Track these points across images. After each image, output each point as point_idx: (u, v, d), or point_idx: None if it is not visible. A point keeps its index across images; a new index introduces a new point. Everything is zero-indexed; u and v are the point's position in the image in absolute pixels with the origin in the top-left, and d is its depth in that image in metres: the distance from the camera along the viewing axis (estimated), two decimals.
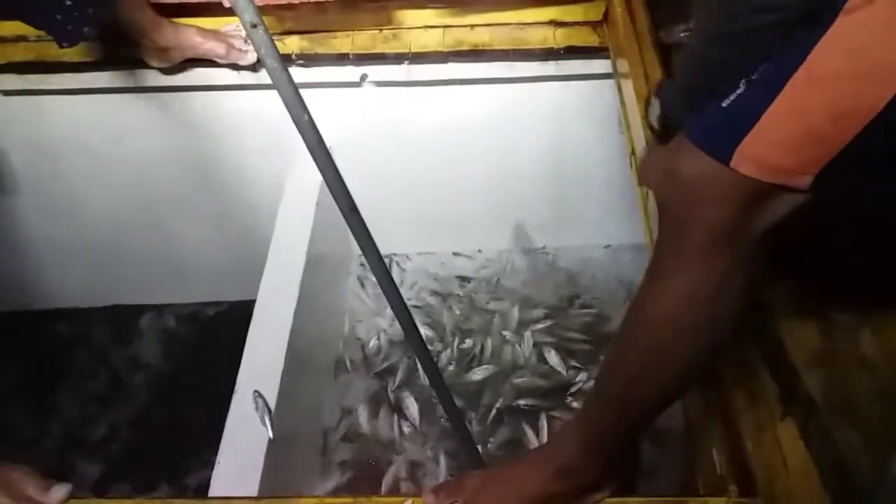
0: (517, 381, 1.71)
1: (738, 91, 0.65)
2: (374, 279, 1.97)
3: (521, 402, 1.67)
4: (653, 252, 0.78)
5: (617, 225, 1.92)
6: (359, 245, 0.85)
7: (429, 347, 1.79)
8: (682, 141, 0.70)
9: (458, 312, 1.88)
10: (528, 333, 1.80)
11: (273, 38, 1.52)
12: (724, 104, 0.66)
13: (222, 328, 2.09)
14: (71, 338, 2.09)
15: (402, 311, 0.88)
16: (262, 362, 1.35)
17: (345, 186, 0.80)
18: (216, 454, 1.22)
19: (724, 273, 0.71)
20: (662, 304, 0.75)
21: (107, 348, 2.07)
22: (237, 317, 1.98)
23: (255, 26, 0.74)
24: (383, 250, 2.01)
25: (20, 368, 2.02)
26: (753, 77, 0.65)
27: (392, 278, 0.88)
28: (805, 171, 0.63)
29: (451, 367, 1.76)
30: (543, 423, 1.63)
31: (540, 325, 1.82)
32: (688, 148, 0.68)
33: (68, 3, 1.20)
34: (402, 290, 1.92)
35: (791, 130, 0.62)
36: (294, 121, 0.79)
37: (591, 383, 1.67)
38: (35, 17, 1.27)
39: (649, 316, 0.76)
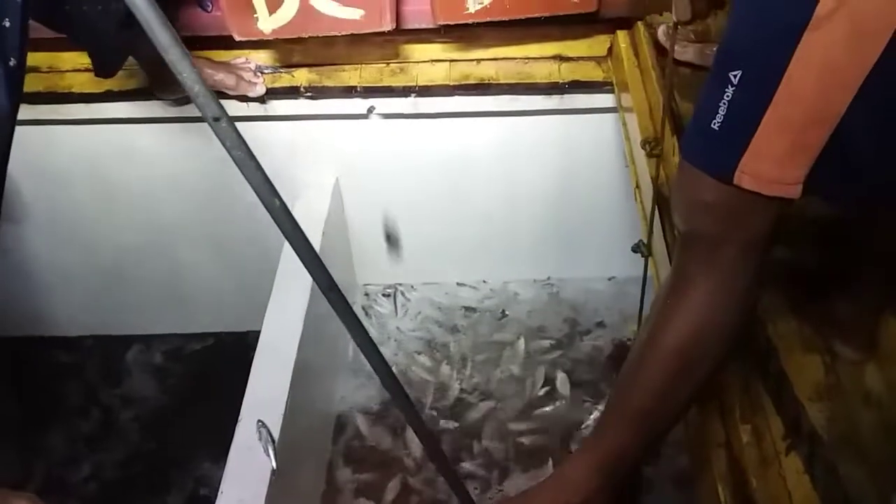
0: (524, 417, 1.70)
1: (723, 112, 0.69)
2: (378, 309, 2.00)
3: (527, 440, 1.66)
4: (673, 275, 0.81)
5: (621, 257, 1.91)
6: (341, 320, 0.85)
7: (431, 380, 1.80)
8: (686, 166, 0.74)
9: (463, 344, 1.88)
10: (535, 367, 1.79)
11: (282, 70, 1.56)
12: (714, 126, 0.70)
13: (221, 358, 2.09)
14: (67, 366, 2.08)
15: (385, 374, 0.87)
16: (266, 392, 1.35)
17: (323, 267, 0.80)
18: (215, 483, 1.22)
19: (751, 276, 0.77)
20: (691, 313, 0.78)
21: (105, 376, 2.06)
22: (238, 346, 2.00)
23: (217, 119, 0.74)
24: (388, 280, 2.05)
25: (14, 398, 2.00)
26: (735, 93, 0.69)
27: (379, 351, 0.87)
28: (797, 181, 0.68)
29: (456, 401, 1.76)
30: (550, 466, 1.61)
31: (546, 358, 1.82)
32: (695, 174, 0.72)
33: (114, 32, 1.23)
34: (405, 321, 1.96)
35: (781, 145, 0.67)
36: (266, 207, 0.79)
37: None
38: (84, 41, 1.31)
39: (676, 327, 0.79)
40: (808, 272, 1.01)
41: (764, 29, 0.68)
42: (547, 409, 1.72)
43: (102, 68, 1.34)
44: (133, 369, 2.08)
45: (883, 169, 0.70)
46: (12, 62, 0.86)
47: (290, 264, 1.61)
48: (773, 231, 0.74)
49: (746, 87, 0.68)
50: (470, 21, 1.39)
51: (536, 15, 1.37)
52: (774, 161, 0.68)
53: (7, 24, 0.84)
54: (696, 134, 0.75)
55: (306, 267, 0.83)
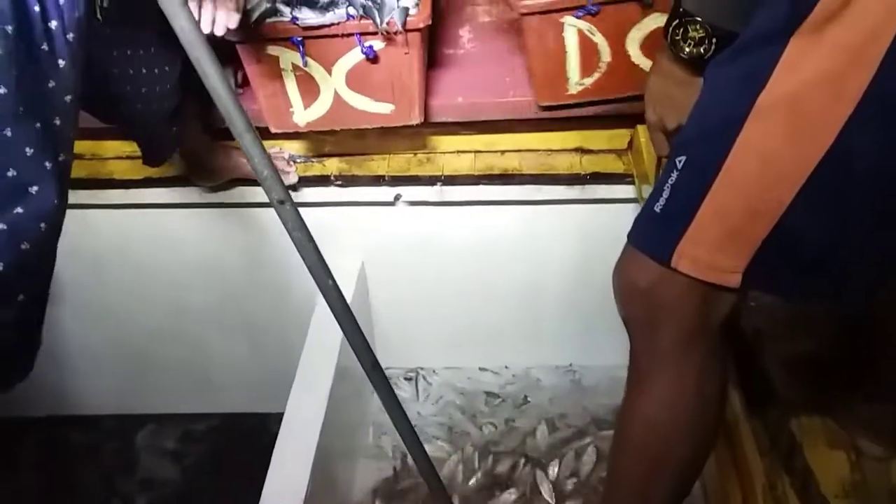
0: None
1: (666, 195, 0.70)
2: (399, 393, 1.99)
3: None
4: (629, 363, 0.81)
5: None
6: (380, 398, 0.87)
7: (452, 467, 1.78)
8: (628, 249, 0.75)
9: (485, 431, 1.87)
10: (558, 456, 1.77)
11: (314, 159, 1.62)
12: (656, 209, 0.71)
13: (240, 439, 2.09)
14: (86, 447, 2.09)
15: (421, 458, 0.88)
16: (287, 477, 1.35)
17: (369, 347, 0.82)
18: None
19: (700, 368, 0.74)
20: (648, 410, 0.77)
21: (123, 458, 2.07)
22: (258, 427, 2.00)
23: (282, 202, 0.78)
24: (410, 364, 2.06)
25: (32, 481, 2.01)
26: (678, 177, 0.70)
27: (416, 434, 0.88)
28: (735, 270, 0.68)
29: (477, 490, 1.73)
30: None
31: (570, 446, 1.80)
32: (635, 256, 0.73)
33: (165, 126, 1.30)
34: (426, 405, 1.95)
35: (719, 232, 0.68)
36: (319, 287, 0.82)
37: None
38: (136, 135, 1.38)
39: (639, 424, 0.78)
40: (831, 367, 1.01)
41: (708, 117, 0.70)
42: (571, 501, 1.69)
43: (152, 158, 1.41)
44: (151, 450, 2.09)
45: (837, 265, 0.69)
46: (62, 157, 0.91)
47: (315, 348, 1.63)
48: (719, 323, 0.73)
49: (688, 172, 0.69)
50: (572, 102, 1.43)
51: (635, 93, 1.34)
52: (712, 247, 0.68)
53: (58, 122, 0.89)
54: (641, 216, 0.76)
55: (351, 345, 0.86)
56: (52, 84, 0.88)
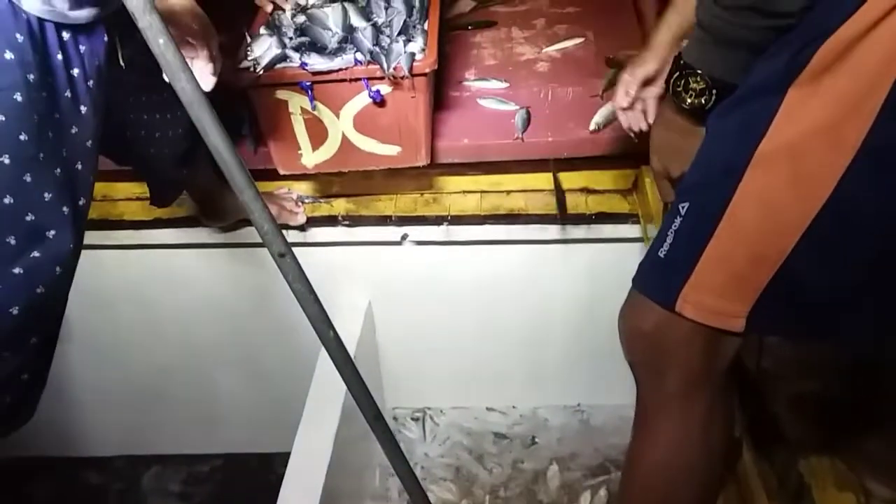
0: None
1: (670, 241, 0.72)
2: (406, 433, 1.99)
3: None
4: (635, 406, 0.81)
5: None
6: (383, 451, 0.87)
7: None
8: (633, 293, 0.76)
9: (493, 472, 1.86)
10: (567, 497, 1.75)
11: (322, 200, 1.63)
12: (660, 254, 0.72)
13: (246, 479, 2.08)
14: (98, 487, 2.08)
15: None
16: None
17: (371, 397, 0.82)
18: None
19: (706, 411, 0.76)
20: (655, 453, 0.78)
21: (132, 497, 2.05)
22: (264, 467, 1.99)
23: (282, 255, 0.80)
24: (418, 403, 2.05)
25: None
26: (682, 223, 0.71)
27: (419, 484, 0.88)
28: (738, 315, 0.69)
29: None
30: None
31: (578, 487, 1.78)
32: (640, 301, 0.74)
33: (175, 169, 1.33)
34: (434, 446, 1.94)
35: (722, 277, 0.69)
36: (320, 338, 0.83)
37: None
38: (147, 176, 1.40)
39: (645, 467, 0.79)
40: (839, 407, 1.01)
41: (711, 165, 0.72)
42: None
43: (161, 199, 1.43)
44: (158, 489, 2.08)
45: (840, 308, 0.69)
46: (81, 201, 0.93)
47: (322, 389, 1.63)
48: (724, 367, 0.74)
49: (691, 219, 0.71)
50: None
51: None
52: (716, 292, 0.70)
53: (79, 167, 0.91)
54: (646, 261, 0.78)
55: (354, 396, 0.85)
56: (74, 130, 0.90)
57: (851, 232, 0.64)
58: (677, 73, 0.79)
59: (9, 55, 0.79)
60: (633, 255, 1.64)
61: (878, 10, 0.59)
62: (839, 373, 0.99)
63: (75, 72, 0.88)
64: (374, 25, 1.31)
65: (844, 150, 0.61)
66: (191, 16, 1.02)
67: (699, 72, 0.77)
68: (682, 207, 0.71)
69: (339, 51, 1.28)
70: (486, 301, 1.82)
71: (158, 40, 0.71)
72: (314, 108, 1.31)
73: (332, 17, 1.30)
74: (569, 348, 1.90)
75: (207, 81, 1.06)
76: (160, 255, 1.76)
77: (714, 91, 0.77)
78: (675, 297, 0.70)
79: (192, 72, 0.75)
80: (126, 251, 1.75)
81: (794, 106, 0.63)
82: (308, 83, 1.28)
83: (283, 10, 1.39)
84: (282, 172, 1.46)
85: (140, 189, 1.66)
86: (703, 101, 0.78)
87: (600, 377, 1.96)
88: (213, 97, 0.81)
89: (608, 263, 1.69)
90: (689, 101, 0.79)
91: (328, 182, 1.64)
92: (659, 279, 0.74)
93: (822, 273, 0.67)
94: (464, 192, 1.66)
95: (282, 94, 1.31)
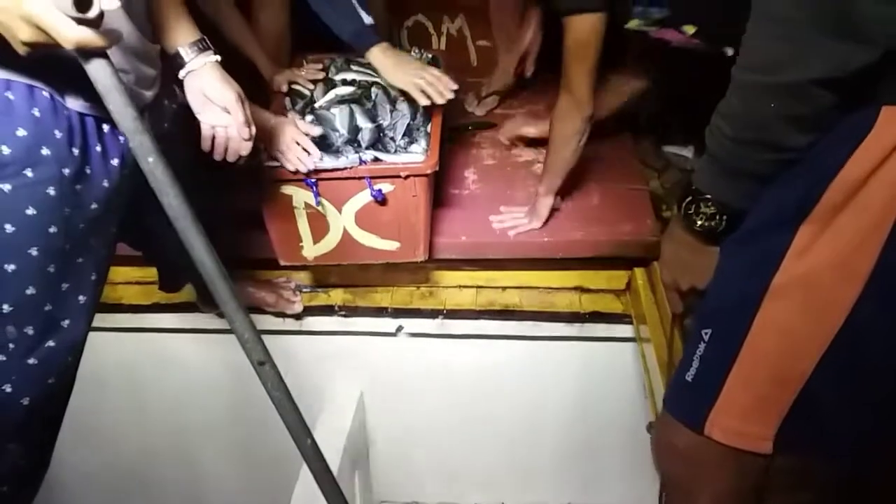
0: None
1: (696, 366, 0.75)
2: None
3: None
4: None
5: (642, 482, 1.89)
6: None
7: None
8: (666, 414, 0.79)
9: None
10: None
11: (319, 290, 1.65)
12: (688, 377, 0.75)
13: None
14: None
15: None
16: None
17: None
18: None
19: None
20: None
21: None
22: None
23: (262, 364, 0.82)
24: (406, 496, 2.02)
25: None
26: (706, 349, 0.74)
27: None
28: (766, 437, 0.72)
29: None
30: None
31: None
32: (672, 420, 0.77)
33: (187, 255, 1.35)
34: None
35: (748, 401, 0.72)
36: (297, 445, 0.83)
37: None
38: (158, 262, 1.43)
39: None
40: None
41: (728, 294, 0.76)
42: None
43: (170, 285, 1.45)
44: None
45: (860, 428, 0.72)
46: (98, 289, 0.95)
47: (309, 480, 1.60)
48: (753, 487, 0.76)
49: (715, 344, 0.75)
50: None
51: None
52: (742, 415, 0.73)
53: (103, 252, 0.94)
54: (675, 384, 0.81)
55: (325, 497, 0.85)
56: (106, 218, 0.92)
57: (867, 354, 0.68)
58: (689, 198, 0.83)
59: (45, 151, 0.82)
60: (626, 355, 1.66)
61: (879, 150, 0.65)
62: (834, 487, 1.00)
63: (115, 161, 0.90)
64: (379, 127, 1.36)
65: (855, 281, 0.67)
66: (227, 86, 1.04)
67: (709, 197, 0.81)
68: (706, 334, 0.75)
69: (344, 150, 1.32)
70: (479, 395, 1.82)
71: (148, 158, 0.76)
72: (318, 203, 1.35)
73: (339, 118, 1.36)
74: (560, 446, 1.89)
75: (245, 147, 1.08)
76: (155, 338, 1.77)
77: (724, 216, 0.80)
78: (704, 420, 0.74)
79: (179, 188, 0.78)
80: (121, 334, 1.76)
81: (805, 242, 0.69)
82: (313, 180, 1.32)
83: (299, 83, 1.52)
84: (282, 263, 1.49)
85: (139, 273, 1.68)
86: (713, 224, 0.81)
87: (591, 476, 1.95)
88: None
89: (601, 362, 1.71)
90: (699, 223, 0.82)
91: (326, 272, 1.67)
92: (687, 403, 0.78)
93: (840, 395, 0.70)
94: (459, 286, 1.68)
95: (287, 189, 1.35)
